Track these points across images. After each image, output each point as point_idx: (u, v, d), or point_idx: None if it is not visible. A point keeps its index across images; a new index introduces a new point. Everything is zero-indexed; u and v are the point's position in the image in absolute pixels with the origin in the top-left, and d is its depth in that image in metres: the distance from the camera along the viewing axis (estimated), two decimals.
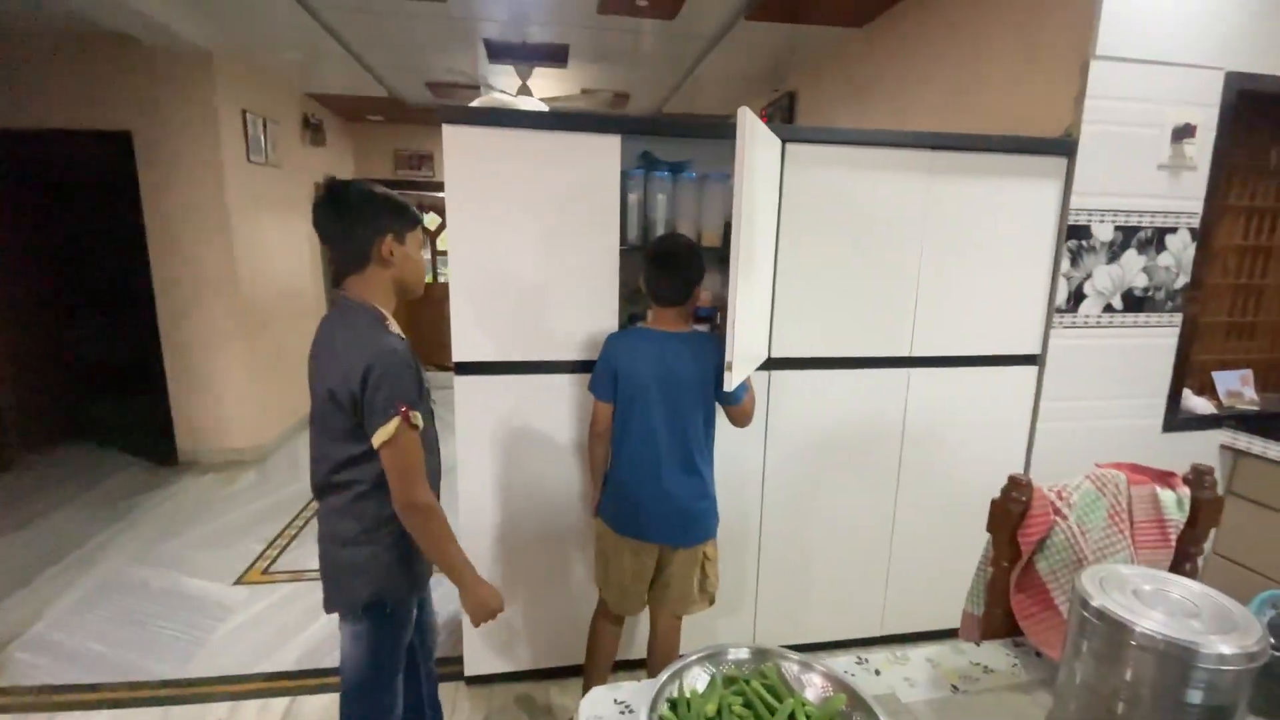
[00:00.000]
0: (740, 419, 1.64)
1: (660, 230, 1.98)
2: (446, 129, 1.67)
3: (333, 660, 2.20)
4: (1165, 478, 1.17)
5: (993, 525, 1.14)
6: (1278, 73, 2.09)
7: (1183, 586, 0.87)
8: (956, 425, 2.13)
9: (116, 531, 3.09)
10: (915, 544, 2.22)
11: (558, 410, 1.89)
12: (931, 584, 2.24)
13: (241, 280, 3.81)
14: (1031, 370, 2.14)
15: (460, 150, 1.70)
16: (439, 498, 1.34)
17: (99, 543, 2.97)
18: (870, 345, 2.00)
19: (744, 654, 0.92)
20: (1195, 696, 0.77)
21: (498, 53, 3.94)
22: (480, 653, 2.03)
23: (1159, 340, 2.18)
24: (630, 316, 2.05)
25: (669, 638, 1.73)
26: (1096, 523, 1.11)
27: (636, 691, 0.94)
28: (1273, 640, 1.01)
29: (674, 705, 0.87)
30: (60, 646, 2.26)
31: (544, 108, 1.83)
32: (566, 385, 1.88)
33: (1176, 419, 2.24)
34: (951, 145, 1.95)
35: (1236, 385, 2.41)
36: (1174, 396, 2.22)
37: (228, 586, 2.65)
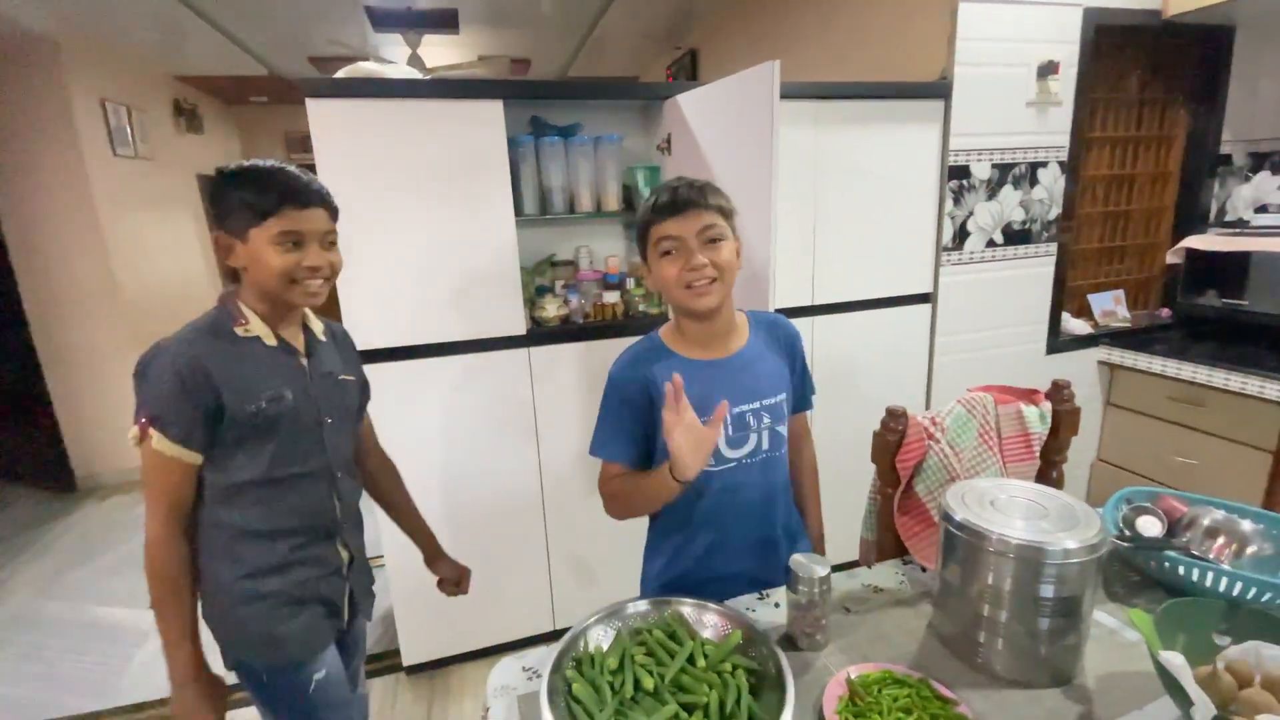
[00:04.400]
0: None
1: (558, 197, 1.94)
2: (311, 104, 1.57)
3: None
4: (1029, 395, 1.27)
5: (875, 455, 1.20)
6: (1131, 6, 2.22)
7: (1033, 492, 0.94)
8: (860, 367, 2.22)
9: (17, 567, 2.86)
10: (828, 485, 2.31)
11: (474, 389, 1.86)
12: (846, 520, 2.35)
13: (122, 285, 3.52)
14: (926, 308, 2.25)
15: (329, 126, 1.61)
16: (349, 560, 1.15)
17: None
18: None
19: (643, 606, 0.95)
20: (1048, 590, 0.84)
21: (381, 20, 3.71)
22: (417, 641, 2.02)
23: (1038, 269, 2.33)
24: (538, 289, 2.02)
25: None
26: (969, 442, 1.19)
27: (543, 657, 0.96)
28: (1128, 532, 1.13)
29: (579, 664, 0.89)
30: None
31: (416, 75, 1.73)
32: (476, 364, 1.84)
33: (1058, 341, 2.42)
34: (835, 94, 1.98)
35: (1110, 305, 2.61)
36: (1054, 321, 2.39)
37: (143, 610, 2.51)
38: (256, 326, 1.03)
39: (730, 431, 1.05)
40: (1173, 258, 2.51)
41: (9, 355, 3.50)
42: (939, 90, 2.06)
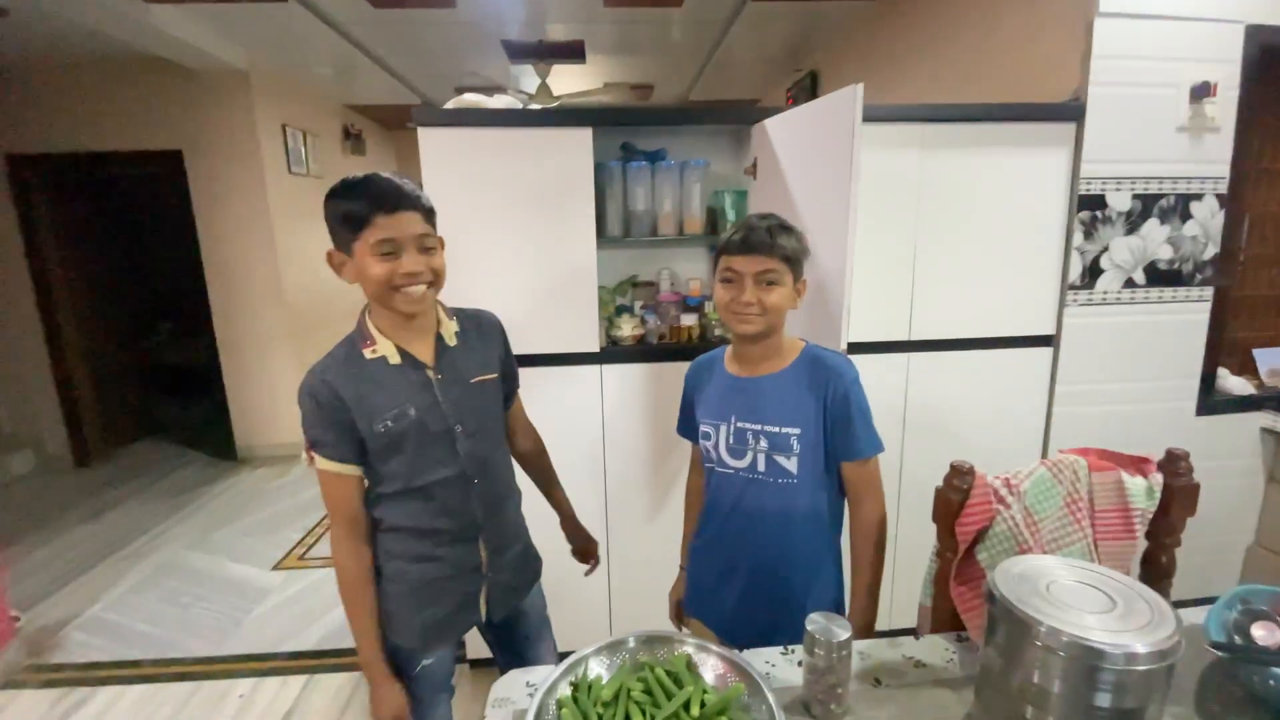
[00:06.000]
0: None
1: (643, 220, 1.97)
2: (421, 132, 1.72)
3: (350, 642, 2.33)
4: (1137, 463, 1.09)
5: (936, 515, 1.09)
6: None
7: (1105, 579, 0.81)
8: (963, 413, 2.02)
9: (176, 521, 3.36)
10: (922, 540, 2.13)
11: (546, 401, 1.92)
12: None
13: (286, 287, 4.04)
14: (1046, 352, 2.01)
15: (437, 152, 1.75)
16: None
17: (159, 531, 3.24)
18: (859, 329, 1.92)
19: (649, 641, 0.93)
20: (1104, 699, 0.72)
21: (516, 53, 4.01)
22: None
23: (1189, 316, 2.00)
24: (619, 308, 2.06)
25: None
26: (1051, 511, 1.05)
27: (547, 676, 0.96)
28: (1238, 639, 0.93)
29: (576, 689, 0.88)
30: (112, 627, 2.48)
31: (517, 105, 1.85)
32: (549, 377, 1.91)
33: (1212, 401, 2.05)
34: (945, 117, 1.85)
35: None
36: (1207, 377, 2.04)
37: (266, 571, 2.84)
38: (383, 347, 1.07)
39: (731, 441, 1.17)
40: None
41: (198, 341, 4.15)
42: (1069, 112, 1.85)
